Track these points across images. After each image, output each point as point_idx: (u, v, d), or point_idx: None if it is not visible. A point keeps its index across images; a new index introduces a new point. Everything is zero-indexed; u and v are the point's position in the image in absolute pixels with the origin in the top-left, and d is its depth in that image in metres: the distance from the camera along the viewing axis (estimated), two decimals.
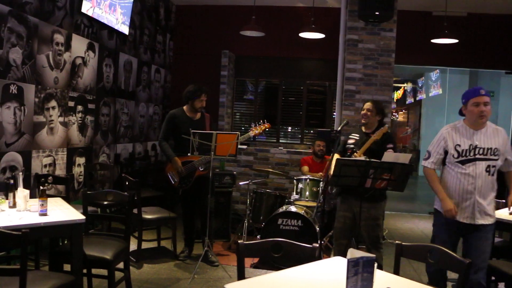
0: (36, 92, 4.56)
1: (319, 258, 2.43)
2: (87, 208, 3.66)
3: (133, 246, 4.61)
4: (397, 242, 2.51)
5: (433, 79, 13.00)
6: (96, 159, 5.82)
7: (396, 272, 2.43)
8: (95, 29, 5.61)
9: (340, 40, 6.33)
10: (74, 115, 5.28)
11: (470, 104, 3.28)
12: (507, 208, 3.64)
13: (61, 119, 5.02)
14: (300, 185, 5.23)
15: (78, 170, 5.41)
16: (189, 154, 4.52)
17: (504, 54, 7.43)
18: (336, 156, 4.17)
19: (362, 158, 3.78)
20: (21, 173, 3.62)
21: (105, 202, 4.83)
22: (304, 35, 6.57)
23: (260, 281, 2.14)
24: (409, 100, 15.71)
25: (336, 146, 4.31)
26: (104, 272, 3.37)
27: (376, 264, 1.84)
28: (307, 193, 5.18)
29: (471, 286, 3.20)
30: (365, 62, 6.11)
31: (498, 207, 3.74)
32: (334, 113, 6.81)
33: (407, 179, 3.59)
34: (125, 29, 6.21)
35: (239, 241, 2.38)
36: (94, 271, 3.59)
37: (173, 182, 4.84)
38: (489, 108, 3.27)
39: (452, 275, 3.95)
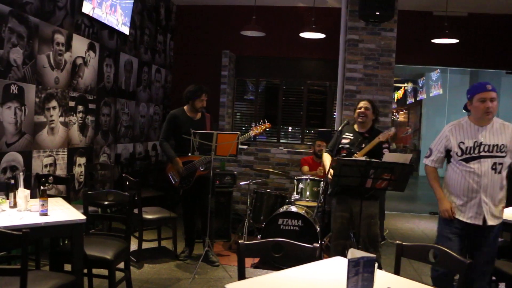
0: (37, 92, 4.57)
1: (320, 258, 2.43)
2: (87, 208, 3.67)
3: (133, 246, 4.61)
4: (397, 242, 2.51)
5: (434, 79, 13.00)
6: (96, 159, 5.82)
7: (397, 272, 2.43)
8: (96, 29, 5.62)
9: (340, 40, 6.33)
10: (74, 115, 5.28)
11: (476, 99, 3.14)
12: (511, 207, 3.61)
13: (61, 119, 5.02)
14: (300, 185, 5.22)
15: (78, 170, 5.42)
16: (189, 154, 4.52)
17: (505, 54, 7.43)
18: (327, 156, 4.17)
19: (363, 158, 3.78)
20: (21, 173, 3.62)
21: (106, 202, 4.83)
22: (305, 35, 6.57)
23: (260, 281, 2.14)
24: (410, 100, 15.70)
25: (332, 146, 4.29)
26: (104, 272, 3.37)
27: (376, 264, 1.84)
28: (308, 193, 5.17)
29: None
30: (366, 62, 6.11)
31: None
32: (335, 113, 6.81)
33: (407, 179, 3.58)
34: (125, 30, 6.22)
35: (239, 241, 2.38)
36: (95, 271, 3.58)
37: (173, 182, 4.84)
38: (495, 104, 3.13)
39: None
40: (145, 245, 5.01)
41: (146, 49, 7.15)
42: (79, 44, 5.29)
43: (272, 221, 4.78)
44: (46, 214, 3.04)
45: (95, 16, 5.41)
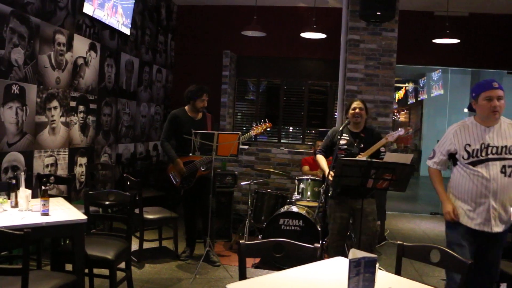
0: (38, 92, 4.57)
1: (321, 258, 2.43)
2: (88, 208, 3.67)
3: (134, 246, 4.61)
4: (398, 242, 2.51)
5: (435, 79, 12.99)
6: (97, 159, 5.82)
7: (398, 272, 2.43)
8: (97, 29, 5.62)
9: (341, 40, 6.33)
10: (75, 115, 5.28)
11: (482, 98, 2.94)
12: None
13: (62, 119, 5.02)
14: (301, 185, 5.22)
15: (79, 170, 5.42)
16: (190, 154, 4.52)
17: (506, 54, 7.42)
18: (321, 157, 4.17)
19: (364, 158, 3.78)
20: (23, 173, 3.63)
21: (107, 202, 4.83)
22: (306, 35, 6.57)
23: (261, 281, 2.14)
24: (411, 100, 15.69)
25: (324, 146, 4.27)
26: (105, 272, 3.38)
27: (378, 264, 1.84)
28: (309, 193, 5.17)
29: None
30: (367, 62, 6.11)
31: None
32: (336, 113, 6.81)
33: (408, 179, 3.57)
34: (126, 30, 6.22)
35: (240, 241, 2.39)
36: (96, 271, 3.59)
37: (174, 182, 4.84)
38: (503, 102, 2.92)
39: None
40: (146, 245, 5.01)
41: (147, 49, 7.15)
42: (80, 44, 5.29)
43: (273, 221, 4.78)
44: (47, 214, 3.04)
45: (95, 16, 5.41)
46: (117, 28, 5.98)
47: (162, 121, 7.69)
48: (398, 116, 17.70)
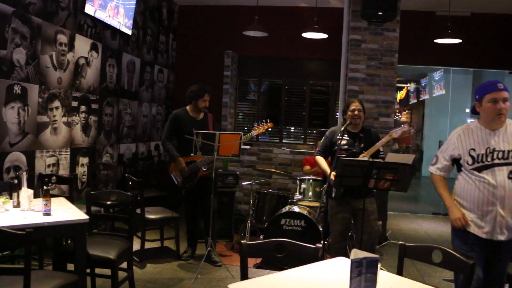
0: (40, 92, 4.58)
1: (322, 258, 2.43)
2: (90, 208, 3.68)
3: (136, 246, 4.61)
4: (400, 242, 2.51)
5: (436, 79, 12.97)
6: (99, 159, 5.83)
7: (400, 272, 2.43)
8: (98, 30, 5.63)
9: (343, 40, 6.33)
10: (77, 115, 5.29)
11: (486, 100, 2.80)
12: None
13: (64, 119, 5.03)
14: (303, 185, 5.22)
15: (81, 170, 5.43)
16: (192, 154, 4.52)
17: (508, 54, 7.41)
18: (321, 158, 4.17)
19: (366, 158, 3.78)
20: (25, 173, 3.63)
21: (109, 202, 4.84)
22: (307, 35, 6.57)
23: (263, 281, 2.14)
24: (412, 100, 15.67)
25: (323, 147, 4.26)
26: (107, 271, 3.37)
27: (379, 265, 1.84)
28: (310, 193, 5.17)
29: None
30: (368, 62, 6.11)
31: None
32: (337, 113, 6.80)
33: (410, 179, 3.57)
34: (128, 31, 6.23)
35: (242, 241, 2.39)
36: (98, 270, 3.59)
37: (176, 182, 4.84)
38: (508, 104, 2.78)
39: None
40: (148, 245, 5.02)
41: (148, 49, 7.16)
42: (82, 44, 5.30)
43: (275, 221, 4.78)
44: (49, 214, 3.05)
45: (97, 17, 5.42)
46: (119, 28, 5.98)
47: (164, 121, 7.69)
48: (400, 116, 17.68)
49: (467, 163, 2.86)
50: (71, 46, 5.08)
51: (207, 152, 4.50)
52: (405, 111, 17.75)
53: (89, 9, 5.23)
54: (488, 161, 2.79)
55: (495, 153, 2.78)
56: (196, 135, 4.43)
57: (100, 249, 3.35)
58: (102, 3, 5.48)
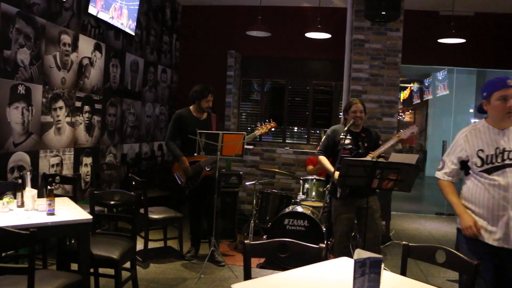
0: (44, 92, 4.59)
1: (326, 258, 2.42)
2: (94, 208, 3.68)
3: (139, 245, 4.62)
4: (404, 242, 2.50)
5: (440, 79, 12.94)
6: (103, 159, 5.84)
7: (403, 272, 2.43)
8: (102, 30, 5.64)
9: (346, 40, 6.33)
10: (81, 115, 5.30)
11: (495, 98, 2.65)
12: None
13: (68, 119, 5.04)
14: (306, 185, 5.22)
15: (85, 170, 5.44)
16: (195, 154, 4.53)
17: None
18: (324, 158, 4.17)
19: (369, 158, 3.78)
20: (29, 172, 3.64)
21: (112, 202, 4.85)
22: (310, 35, 6.56)
23: (266, 281, 2.14)
24: (416, 100, 15.64)
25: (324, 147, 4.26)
26: (111, 271, 3.38)
27: (383, 265, 1.84)
28: (314, 193, 5.17)
29: None
30: (372, 62, 6.10)
31: None
32: (340, 113, 6.80)
33: (414, 179, 3.56)
34: (131, 32, 6.24)
35: (245, 241, 2.39)
36: (101, 270, 3.60)
37: (179, 182, 4.84)
38: None
39: None
40: (151, 245, 5.02)
41: (152, 50, 7.17)
42: (85, 45, 5.31)
43: (278, 221, 4.78)
44: (53, 214, 3.06)
45: (100, 17, 5.43)
46: (122, 28, 5.99)
47: (167, 121, 7.70)
48: (403, 116, 17.65)
49: (476, 165, 2.69)
50: (74, 46, 5.09)
51: (211, 152, 4.51)
52: (408, 111, 17.71)
53: (92, 10, 5.24)
54: (498, 162, 2.63)
55: (505, 153, 2.63)
56: (200, 135, 4.44)
57: (104, 249, 3.35)
58: (105, 5, 5.49)
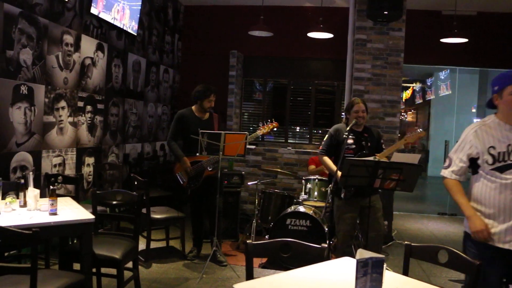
0: (46, 92, 4.60)
1: (328, 258, 2.42)
2: (96, 208, 3.69)
3: (141, 245, 4.62)
4: (406, 242, 2.50)
5: (442, 78, 12.92)
6: (105, 159, 5.85)
7: (405, 272, 2.42)
8: (104, 30, 5.65)
9: (348, 40, 6.32)
10: (83, 115, 5.31)
11: (508, 92, 2.51)
12: None
13: (70, 119, 5.05)
14: (308, 185, 5.22)
15: (87, 170, 5.45)
16: (197, 154, 4.53)
17: None
18: (327, 158, 4.16)
19: (371, 158, 3.77)
20: (31, 172, 3.65)
21: (114, 202, 4.85)
22: (313, 35, 6.56)
23: (268, 281, 2.13)
24: (418, 100, 15.62)
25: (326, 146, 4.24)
26: (113, 271, 3.39)
27: (385, 265, 1.84)
28: (316, 193, 5.17)
29: None
30: (374, 62, 6.10)
31: None
32: (343, 113, 6.79)
33: (416, 179, 3.56)
34: (133, 33, 6.25)
35: (247, 241, 2.39)
36: (103, 270, 3.60)
37: (181, 182, 4.85)
38: None
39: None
40: (153, 245, 5.03)
41: (154, 50, 7.17)
42: (88, 45, 5.32)
43: (280, 221, 4.78)
44: (55, 214, 3.06)
45: (102, 16, 5.44)
46: (124, 29, 6.00)
47: (169, 121, 7.71)
48: (406, 116, 17.62)
49: (487, 162, 2.54)
50: (77, 46, 5.10)
51: (213, 152, 4.51)
52: (410, 111, 17.69)
53: (93, 11, 5.25)
54: (511, 160, 2.49)
55: None
56: (202, 135, 4.44)
57: (106, 249, 3.36)
58: (106, 4, 5.49)
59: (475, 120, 12.47)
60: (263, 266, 4.67)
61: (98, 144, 5.67)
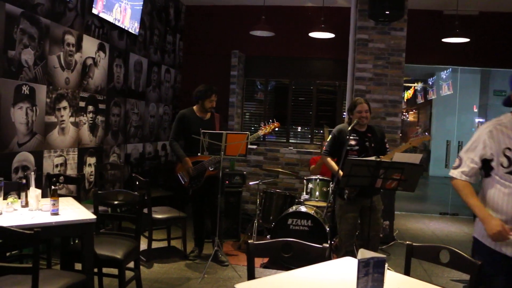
0: (48, 92, 4.61)
1: (329, 258, 2.42)
2: (98, 208, 3.69)
3: (143, 245, 4.62)
4: (407, 242, 2.49)
5: (444, 78, 12.90)
6: (106, 159, 5.85)
7: (407, 272, 2.42)
8: (106, 30, 5.65)
9: (350, 40, 6.32)
10: (85, 115, 5.32)
11: None
12: None
13: (72, 119, 5.06)
14: (310, 185, 5.21)
15: (89, 170, 5.45)
16: (199, 154, 4.53)
17: None
18: (330, 160, 4.15)
19: (373, 158, 3.77)
20: (33, 172, 3.65)
21: (116, 202, 4.81)
22: (314, 34, 6.55)
23: (270, 281, 2.13)
24: (420, 100, 15.60)
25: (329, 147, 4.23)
26: (114, 271, 3.39)
27: (386, 265, 1.83)
28: (317, 193, 5.16)
29: None
30: (375, 61, 6.09)
31: None
32: (344, 113, 6.78)
33: (418, 179, 3.55)
34: (135, 33, 6.26)
35: (249, 241, 2.39)
36: (105, 270, 3.61)
37: (183, 182, 4.85)
38: None
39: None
40: (155, 245, 5.03)
41: (155, 50, 7.18)
42: (89, 45, 5.33)
43: (282, 221, 4.77)
44: (57, 214, 3.06)
45: (103, 16, 5.44)
46: (126, 29, 6.01)
47: (171, 121, 7.71)
48: (407, 116, 17.61)
49: (502, 165, 2.35)
50: (78, 46, 5.10)
51: (214, 152, 4.51)
52: (412, 111, 17.67)
53: (94, 11, 5.25)
54: None
55: None
56: (203, 135, 4.44)
57: (108, 249, 3.36)
58: (107, 4, 5.49)
59: (476, 120, 12.46)
60: (265, 266, 4.67)
61: (99, 144, 5.67)
